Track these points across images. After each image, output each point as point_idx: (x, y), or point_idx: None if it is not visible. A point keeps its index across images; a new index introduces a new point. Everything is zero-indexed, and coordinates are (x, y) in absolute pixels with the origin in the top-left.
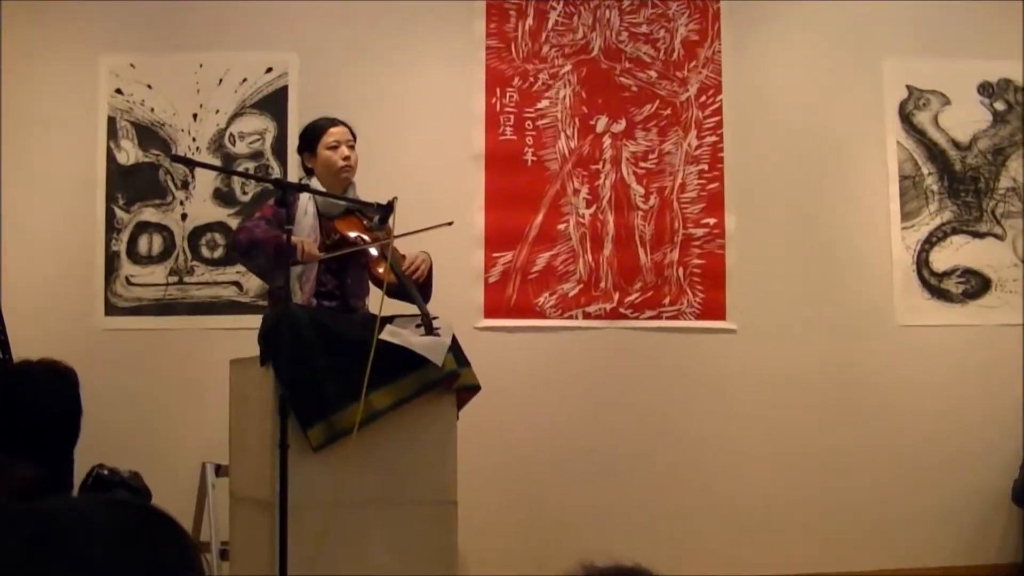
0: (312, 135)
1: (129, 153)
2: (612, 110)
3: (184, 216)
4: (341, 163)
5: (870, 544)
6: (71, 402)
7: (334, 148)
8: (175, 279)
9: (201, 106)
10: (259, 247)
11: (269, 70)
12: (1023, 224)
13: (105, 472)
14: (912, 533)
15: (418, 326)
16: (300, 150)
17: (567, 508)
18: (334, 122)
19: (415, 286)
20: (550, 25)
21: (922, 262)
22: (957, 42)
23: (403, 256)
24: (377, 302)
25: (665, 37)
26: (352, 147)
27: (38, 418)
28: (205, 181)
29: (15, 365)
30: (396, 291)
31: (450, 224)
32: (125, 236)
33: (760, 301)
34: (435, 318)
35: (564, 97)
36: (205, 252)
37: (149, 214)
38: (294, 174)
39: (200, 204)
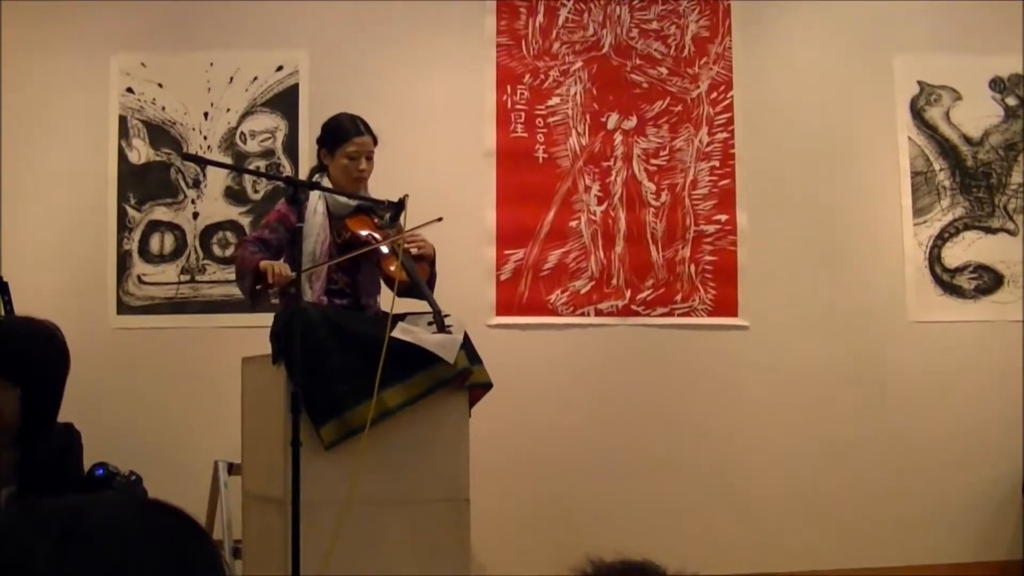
0: (335, 137)
1: (140, 152)
2: (623, 107)
3: (195, 215)
4: (356, 175)
5: (884, 539)
6: (53, 349)
7: (353, 158)
8: (187, 278)
9: (212, 105)
10: (245, 271)
11: (280, 68)
12: None
13: (99, 473)
14: (925, 528)
15: (430, 324)
16: (319, 143)
17: (580, 505)
18: (359, 130)
19: (425, 282)
20: (560, 22)
21: (934, 258)
22: (968, 38)
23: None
24: (389, 300)
25: (676, 34)
26: (370, 157)
27: (19, 361)
28: (216, 180)
29: None
30: (408, 289)
31: (439, 220)
32: (137, 235)
33: (772, 298)
34: (447, 316)
35: (575, 94)
36: (217, 251)
37: (161, 213)
38: (305, 172)
39: (212, 203)
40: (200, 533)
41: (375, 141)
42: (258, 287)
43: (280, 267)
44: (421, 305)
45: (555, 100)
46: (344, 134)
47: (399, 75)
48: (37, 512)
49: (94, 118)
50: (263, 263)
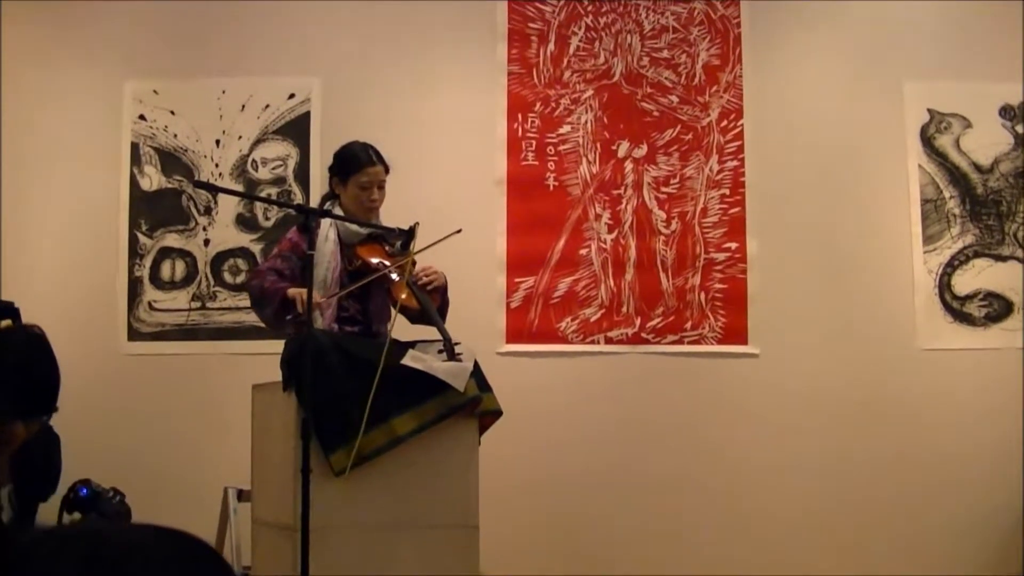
0: (348, 166)
1: (152, 179)
2: (634, 135)
3: (207, 242)
4: (368, 205)
5: (891, 562)
6: (45, 361)
7: (365, 188)
8: (198, 304)
9: (224, 132)
10: (267, 299)
11: (291, 96)
12: None
13: (83, 493)
14: (931, 553)
15: (440, 351)
16: (331, 171)
17: (589, 532)
18: (371, 160)
19: (436, 310)
20: (572, 50)
21: (944, 285)
22: (978, 65)
23: (414, 263)
24: (401, 327)
25: (686, 62)
26: (382, 187)
27: (18, 377)
28: (228, 207)
29: None
30: (418, 317)
31: (459, 232)
32: (148, 261)
33: (782, 325)
34: (457, 343)
35: (586, 122)
36: (228, 277)
37: (172, 240)
38: (317, 199)
39: (223, 230)
40: (219, 561)
41: (387, 170)
42: (289, 317)
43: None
44: (432, 332)
45: (566, 128)
46: (357, 163)
47: (410, 103)
48: (60, 536)
49: (106, 145)
50: (291, 291)
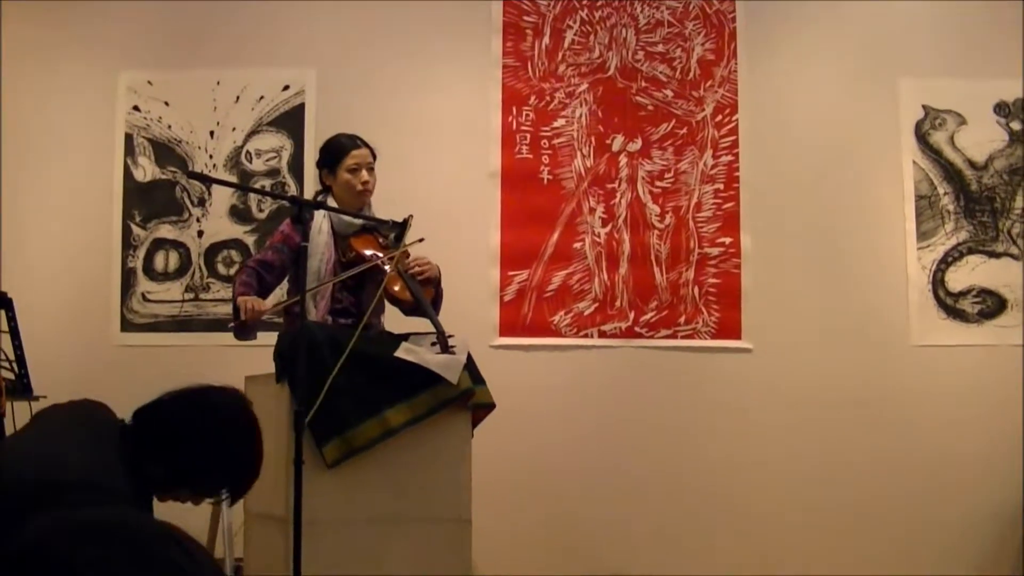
0: (334, 154)
1: (146, 170)
2: (628, 129)
3: (200, 233)
4: (360, 187)
5: (885, 561)
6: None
7: (354, 171)
8: (191, 296)
9: (218, 123)
10: (232, 302)
11: (286, 88)
12: None
13: None
14: (925, 551)
15: (433, 344)
16: (320, 165)
17: (582, 526)
18: (356, 144)
19: (430, 303)
20: (567, 44)
21: (938, 282)
22: (973, 62)
23: (407, 255)
24: (393, 319)
25: (681, 56)
26: (371, 169)
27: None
28: (222, 198)
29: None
30: (412, 309)
31: (421, 240)
32: (141, 253)
33: (776, 320)
34: (451, 336)
35: (580, 116)
36: (221, 269)
37: (165, 231)
38: (310, 191)
39: (216, 221)
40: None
41: (374, 155)
42: (231, 324)
43: (254, 302)
44: (425, 324)
45: (560, 122)
46: (342, 149)
47: (405, 95)
48: (79, 523)
49: (100, 136)
50: (240, 298)
